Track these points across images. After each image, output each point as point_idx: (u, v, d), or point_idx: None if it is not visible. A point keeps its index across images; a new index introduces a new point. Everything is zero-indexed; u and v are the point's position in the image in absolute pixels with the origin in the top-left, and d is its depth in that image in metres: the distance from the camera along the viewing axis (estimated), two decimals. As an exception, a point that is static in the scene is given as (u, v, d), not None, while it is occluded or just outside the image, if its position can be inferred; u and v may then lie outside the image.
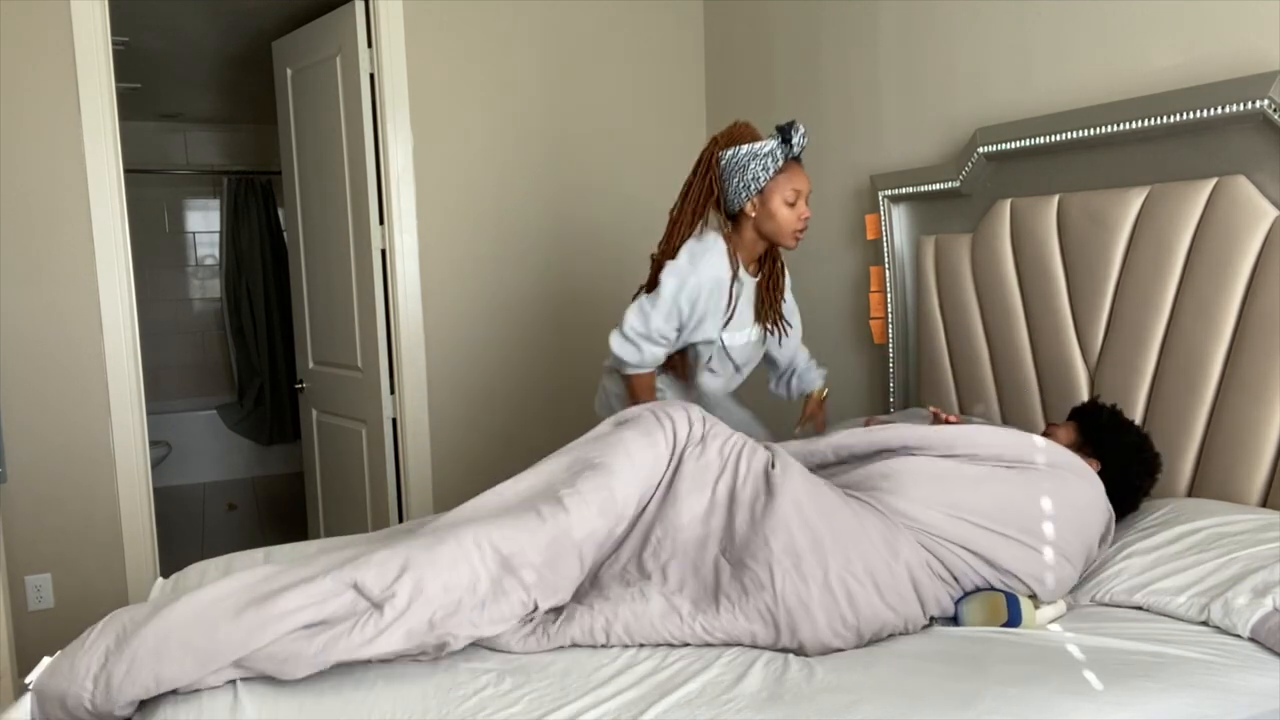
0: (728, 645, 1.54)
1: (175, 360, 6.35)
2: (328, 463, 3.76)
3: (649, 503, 1.70)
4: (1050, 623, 1.59)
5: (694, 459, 1.72)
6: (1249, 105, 1.82)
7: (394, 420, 3.40)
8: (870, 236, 2.87)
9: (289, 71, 3.64)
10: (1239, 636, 1.47)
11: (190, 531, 5.06)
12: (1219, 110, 1.87)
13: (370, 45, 3.25)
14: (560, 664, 1.48)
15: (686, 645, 1.54)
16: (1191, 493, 1.96)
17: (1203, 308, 1.91)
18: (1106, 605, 1.65)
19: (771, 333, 2.35)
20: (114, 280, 2.93)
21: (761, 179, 2.13)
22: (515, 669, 1.46)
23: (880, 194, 2.78)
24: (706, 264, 2.19)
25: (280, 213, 6.13)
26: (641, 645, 1.53)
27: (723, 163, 2.16)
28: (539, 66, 3.49)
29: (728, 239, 2.22)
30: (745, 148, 2.13)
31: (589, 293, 3.64)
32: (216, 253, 6.37)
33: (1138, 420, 2.05)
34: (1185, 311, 1.95)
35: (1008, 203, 2.36)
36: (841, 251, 3.09)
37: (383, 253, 3.33)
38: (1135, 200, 2.05)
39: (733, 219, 2.24)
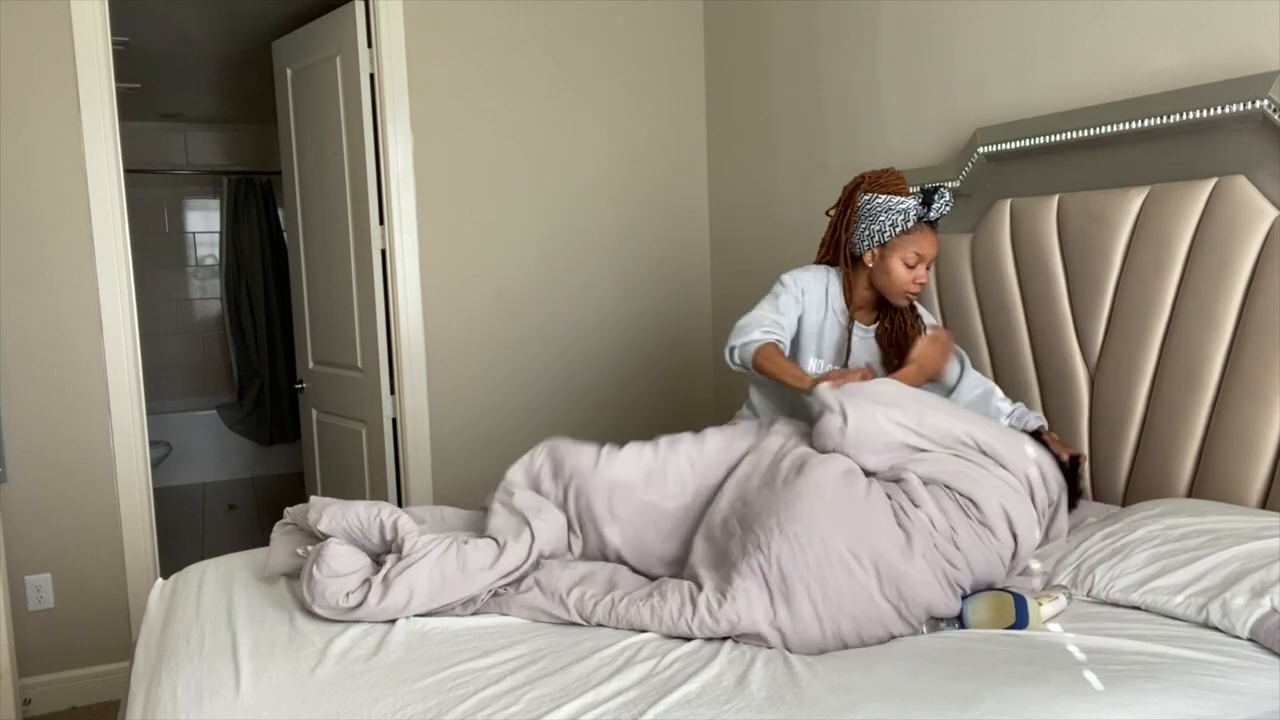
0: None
1: (175, 360, 6.35)
2: (328, 463, 3.76)
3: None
4: (1051, 620, 1.59)
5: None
6: (1249, 105, 1.82)
7: (394, 420, 3.40)
8: (870, 236, 2.87)
9: (289, 71, 3.64)
10: (1238, 637, 1.47)
11: (190, 531, 5.06)
12: (1219, 110, 1.87)
13: (370, 45, 3.25)
14: (561, 662, 1.48)
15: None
16: (1191, 493, 1.96)
17: (1203, 308, 1.91)
18: (1105, 604, 1.66)
19: None
20: (114, 280, 2.93)
21: (887, 233, 2.09)
22: (516, 668, 1.46)
23: (880, 194, 2.78)
24: (810, 274, 2.24)
25: (280, 213, 6.13)
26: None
27: (859, 205, 2.14)
28: (539, 66, 3.49)
29: (846, 277, 2.22)
30: (883, 198, 2.10)
31: (589, 292, 3.64)
32: (216, 253, 6.37)
33: (1137, 421, 2.06)
34: (1185, 311, 1.95)
35: (1008, 203, 2.36)
36: (841, 251, 3.09)
37: (383, 253, 3.33)
38: (1135, 200, 2.05)
39: (853, 260, 2.21)
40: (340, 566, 1.67)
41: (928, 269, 2.14)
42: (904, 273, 2.11)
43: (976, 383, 2.21)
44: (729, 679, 1.42)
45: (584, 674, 1.44)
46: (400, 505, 3.37)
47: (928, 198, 2.08)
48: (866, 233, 2.12)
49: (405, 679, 1.43)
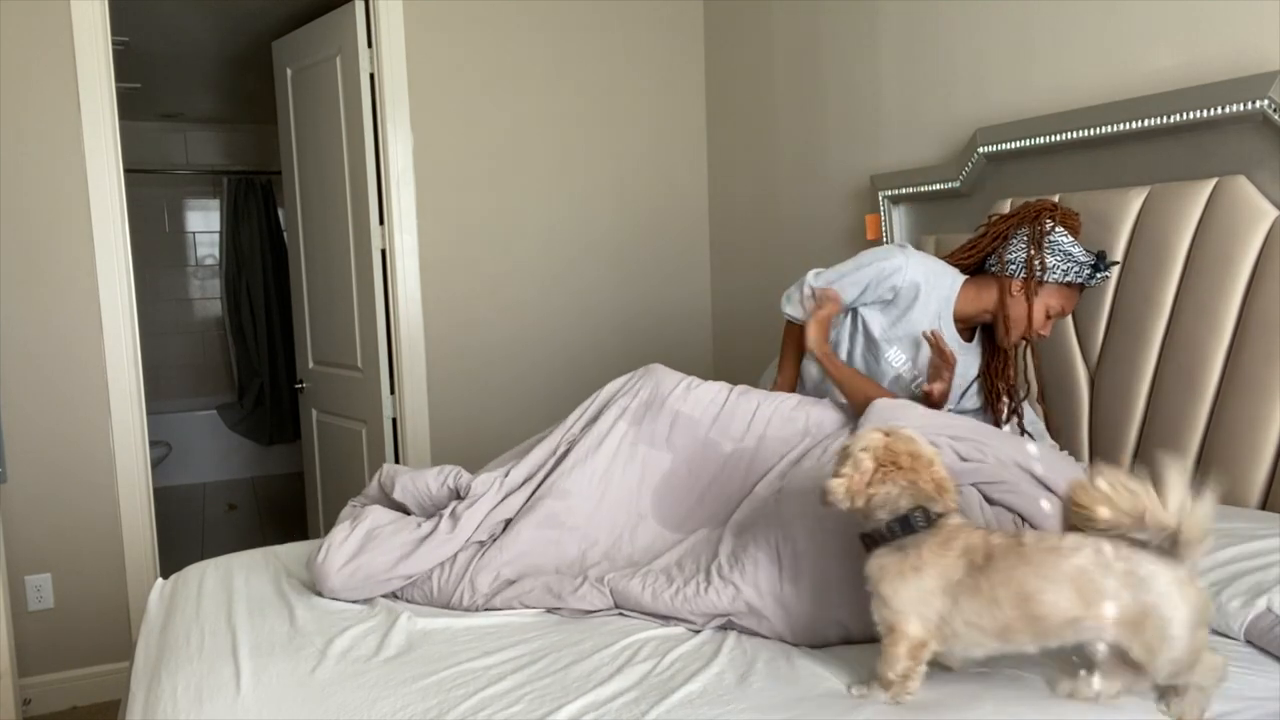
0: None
1: (175, 360, 6.35)
2: (328, 463, 3.76)
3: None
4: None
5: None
6: (1249, 105, 1.82)
7: (394, 420, 3.40)
8: (870, 237, 2.87)
9: (289, 71, 3.64)
10: (1234, 639, 1.47)
11: (190, 531, 5.06)
12: (1219, 110, 1.87)
13: (370, 45, 3.25)
14: (561, 662, 1.48)
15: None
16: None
17: (1203, 308, 1.91)
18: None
19: (984, 412, 2.15)
20: (114, 280, 2.93)
21: (1056, 275, 1.98)
22: (516, 668, 1.46)
23: (880, 194, 2.78)
24: (941, 273, 2.09)
25: (280, 213, 6.13)
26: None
27: (1047, 233, 2.00)
28: (539, 66, 3.49)
29: (990, 290, 2.08)
30: (1069, 240, 1.98)
31: (589, 291, 3.64)
32: (216, 253, 6.37)
33: (1137, 421, 2.06)
34: (1185, 311, 1.95)
35: (1008, 203, 2.36)
36: (841, 252, 3.09)
37: (383, 253, 3.33)
38: (1135, 200, 2.05)
39: (987, 274, 2.09)
40: (389, 516, 1.88)
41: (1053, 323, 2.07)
42: (1040, 319, 2.02)
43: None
44: (730, 678, 1.42)
45: (585, 674, 1.44)
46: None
47: (1100, 262, 1.98)
48: (1033, 261, 1.99)
49: (405, 679, 1.43)
